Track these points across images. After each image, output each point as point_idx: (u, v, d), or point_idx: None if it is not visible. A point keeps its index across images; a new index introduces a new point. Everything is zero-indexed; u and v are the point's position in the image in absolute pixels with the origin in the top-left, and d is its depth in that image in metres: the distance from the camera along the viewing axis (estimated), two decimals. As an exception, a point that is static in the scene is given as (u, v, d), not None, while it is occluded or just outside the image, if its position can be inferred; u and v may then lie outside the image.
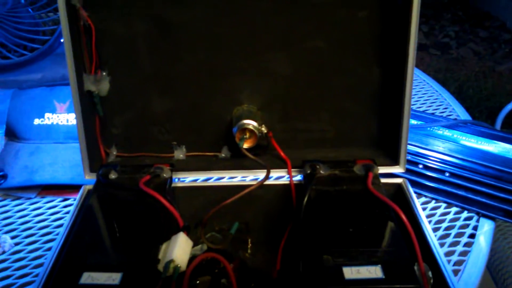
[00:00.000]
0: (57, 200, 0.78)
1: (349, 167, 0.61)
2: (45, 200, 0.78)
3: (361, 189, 0.57)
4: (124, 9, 0.61)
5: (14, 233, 0.71)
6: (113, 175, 0.59)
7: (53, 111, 0.84)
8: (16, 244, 0.69)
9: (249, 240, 0.64)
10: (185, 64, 0.63)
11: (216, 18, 0.61)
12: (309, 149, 0.67)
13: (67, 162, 0.78)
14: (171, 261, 0.47)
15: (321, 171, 0.60)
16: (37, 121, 0.83)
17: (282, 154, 0.64)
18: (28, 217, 0.74)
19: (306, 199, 0.56)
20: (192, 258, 0.49)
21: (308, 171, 0.60)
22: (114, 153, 0.66)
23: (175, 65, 0.63)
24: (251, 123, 0.61)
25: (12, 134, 0.83)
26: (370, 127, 0.67)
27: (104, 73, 0.62)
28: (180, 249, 0.49)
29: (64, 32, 0.57)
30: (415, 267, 0.46)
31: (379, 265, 0.46)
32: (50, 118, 0.83)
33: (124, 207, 0.56)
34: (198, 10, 0.61)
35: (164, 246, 0.50)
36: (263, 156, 0.64)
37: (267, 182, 0.63)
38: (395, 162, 0.64)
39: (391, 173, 0.64)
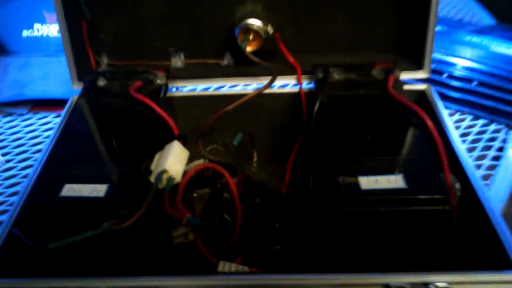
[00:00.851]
0: (50, 116, 0.73)
1: (366, 70, 0.54)
2: (37, 116, 0.73)
3: (380, 94, 0.51)
4: None
5: (5, 150, 0.67)
6: (101, 82, 0.53)
7: (42, 21, 0.77)
8: (8, 161, 0.65)
9: (255, 154, 0.58)
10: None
11: None
12: (321, 54, 0.60)
13: (59, 76, 0.72)
14: (164, 171, 0.41)
15: (335, 76, 0.53)
16: (25, 33, 0.76)
17: (290, 59, 0.57)
18: (20, 133, 0.70)
19: (317, 105, 0.50)
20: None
21: (320, 76, 0.54)
22: (105, 61, 0.60)
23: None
24: (255, 23, 0.54)
25: (1, 49, 0.77)
26: (390, 29, 0.59)
27: (89, -32, 0.55)
28: (174, 159, 0.43)
29: None
30: (441, 176, 0.41)
31: (401, 174, 0.40)
32: (39, 30, 0.76)
33: (113, 115, 0.50)
34: None
35: (157, 157, 0.45)
36: (269, 62, 0.57)
37: (274, 90, 0.57)
38: (418, 66, 0.57)
39: (413, 79, 0.57)
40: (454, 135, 0.48)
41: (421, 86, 0.56)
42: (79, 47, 0.57)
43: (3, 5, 0.80)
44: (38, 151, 0.66)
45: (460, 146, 0.46)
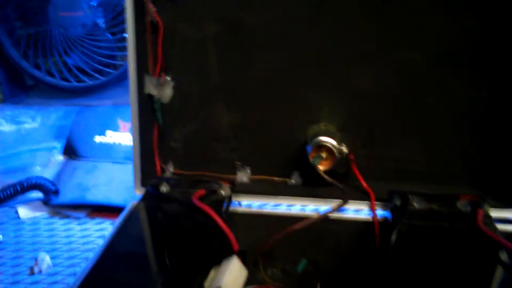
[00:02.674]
0: (107, 223, 0.71)
1: (450, 201, 0.49)
2: (94, 221, 0.71)
3: (467, 228, 0.45)
4: (196, 9, 0.55)
5: (56, 253, 0.64)
6: (164, 188, 0.51)
7: (115, 129, 0.79)
8: (55, 265, 0.62)
9: (319, 285, 0.52)
10: (257, 73, 0.56)
11: (295, 22, 0.53)
12: (396, 182, 0.56)
13: (122, 183, 0.72)
14: (219, 289, 0.37)
15: (415, 204, 0.48)
16: (98, 139, 0.79)
17: (364, 184, 0.53)
18: (73, 237, 0.68)
19: (395, 235, 0.44)
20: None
21: (398, 203, 0.49)
22: (171, 169, 0.58)
23: (246, 74, 0.56)
24: (329, 141, 0.51)
25: (71, 152, 0.79)
26: (473, 160, 0.54)
27: (168, 78, 0.56)
28: (231, 277, 0.39)
29: (128, 27, 0.52)
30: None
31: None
32: (111, 136, 0.79)
33: (171, 223, 0.47)
34: (275, 13, 0.54)
35: (212, 273, 0.40)
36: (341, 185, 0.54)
37: (343, 216, 0.52)
38: (507, 204, 0.51)
39: (503, 219, 0.51)
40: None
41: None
42: (147, 152, 0.57)
43: (81, 112, 0.83)
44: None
45: None
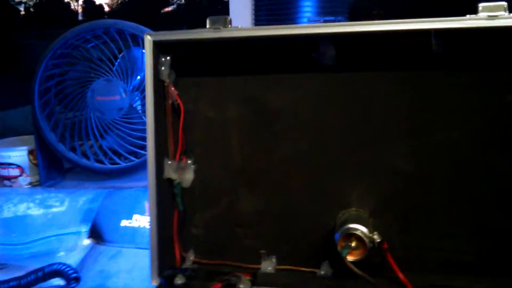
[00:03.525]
0: (127, 315, 0.66)
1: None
2: (114, 313, 0.67)
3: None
4: (218, 91, 0.54)
5: None
6: (179, 280, 0.47)
7: (142, 212, 0.77)
8: None
9: None
10: (282, 156, 0.53)
11: (322, 102, 0.51)
12: (439, 275, 0.50)
13: (146, 270, 0.68)
14: None
15: (459, 302, 0.42)
16: (124, 223, 0.76)
17: (401, 276, 0.48)
18: (90, 330, 0.64)
19: None
20: None
21: (440, 302, 0.43)
22: (191, 258, 0.55)
23: (270, 157, 0.53)
24: (359, 228, 0.47)
25: (97, 236, 0.77)
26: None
27: (189, 161, 0.54)
28: None
29: (148, 109, 0.51)
30: None
31: None
32: (137, 220, 0.76)
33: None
34: (300, 93, 0.52)
35: None
36: (374, 277, 0.48)
37: (379, 314, 0.47)
38: None
39: None
40: None
41: None
42: (166, 240, 0.53)
43: (109, 195, 0.82)
44: None
45: None
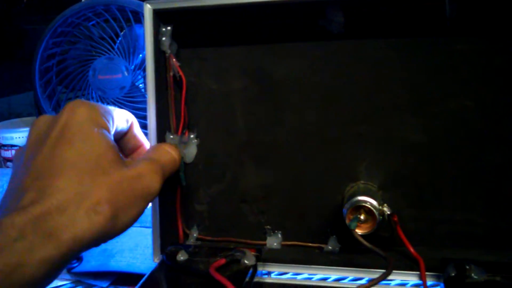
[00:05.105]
0: (131, 293, 0.65)
1: (517, 273, 0.41)
2: (118, 291, 0.66)
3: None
4: (221, 62, 0.52)
5: (74, 326, 0.59)
6: (182, 256, 0.46)
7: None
8: None
9: None
10: (288, 128, 0.51)
11: (330, 71, 0.49)
12: (451, 248, 0.48)
13: (149, 248, 0.67)
14: None
15: (473, 275, 0.40)
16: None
17: (411, 250, 0.46)
18: (94, 309, 0.63)
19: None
20: None
21: (453, 274, 0.41)
22: (195, 235, 0.54)
23: (276, 130, 0.52)
24: (368, 200, 0.45)
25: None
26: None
27: (192, 135, 0.52)
28: None
29: (149, 82, 0.49)
30: None
31: None
32: (141, 200, 0.75)
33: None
34: (306, 62, 0.50)
35: None
36: (384, 251, 0.47)
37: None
38: None
39: None
40: None
41: None
42: (169, 217, 0.52)
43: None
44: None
45: None
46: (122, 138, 0.43)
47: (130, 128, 0.43)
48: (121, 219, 0.34)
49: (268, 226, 0.52)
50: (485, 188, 0.47)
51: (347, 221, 0.45)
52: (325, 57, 0.49)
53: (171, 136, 0.51)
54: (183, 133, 0.52)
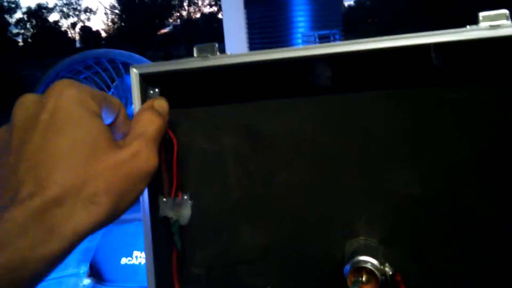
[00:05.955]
0: None
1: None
2: None
3: None
4: (211, 121, 0.51)
5: None
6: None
7: (142, 249, 0.74)
8: None
9: None
10: (282, 185, 0.50)
11: (320, 126, 0.49)
12: (459, 303, 0.47)
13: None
14: None
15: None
16: (124, 261, 0.73)
17: (418, 308, 0.44)
18: None
19: None
20: None
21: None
22: (193, 299, 0.52)
23: (270, 187, 0.50)
24: (369, 261, 0.44)
25: (97, 275, 0.74)
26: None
27: (185, 197, 0.51)
28: None
29: (139, 147, 0.48)
30: None
31: None
32: (138, 257, 0.73)
33: None
34: (296, 118, 0.49)
35: None
36: (389, 310, 0.45)
37: None
38: None
39: None
40: None
41: None
42: (164, 281, 0.50)
43: (110, 231, 0.79)
44: None
45: None
46: (112, 125, 0.41)
47: (119, 113, 0.41)
48: (120, 205, 0.34)
49: (268, 287, 0.51)
50: (487, 237, 0.46)
51: (349, 284, 0.43)
52: (314, 111, 0.48)
53: (164, 199, 0.50)
54: (176, 195, 0.51)
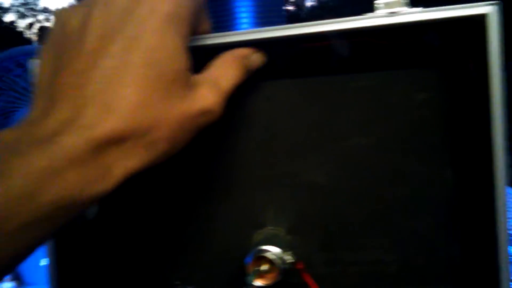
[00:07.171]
0: None
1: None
2: None
3: None
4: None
5: None
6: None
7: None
8: None
9: None
10: (185, 177, 0.49)
11: (224, 116, 0.48)
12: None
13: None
14: None
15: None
16: (43, 262, 0.71)
17: (320, 294, 0.44)
18: None
19: None
20: None
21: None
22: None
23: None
24: (269, 250, 0.43)
25: (17, 278, 0.71)
26: (449, 255, 0.46)
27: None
28: None
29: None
30: None
31: None
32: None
33: None
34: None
35: None
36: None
37: None
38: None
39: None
40: None
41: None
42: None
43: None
44: None
45: None
46: None
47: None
48: (173, 152, 0.32)
49: (178, 282, 0.50)
50: (392, 225, 0.46)
51: (246, 272, 0.43)
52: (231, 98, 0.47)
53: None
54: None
